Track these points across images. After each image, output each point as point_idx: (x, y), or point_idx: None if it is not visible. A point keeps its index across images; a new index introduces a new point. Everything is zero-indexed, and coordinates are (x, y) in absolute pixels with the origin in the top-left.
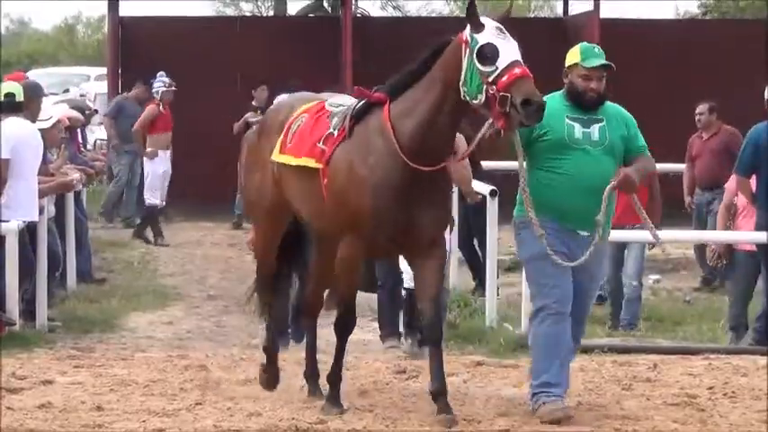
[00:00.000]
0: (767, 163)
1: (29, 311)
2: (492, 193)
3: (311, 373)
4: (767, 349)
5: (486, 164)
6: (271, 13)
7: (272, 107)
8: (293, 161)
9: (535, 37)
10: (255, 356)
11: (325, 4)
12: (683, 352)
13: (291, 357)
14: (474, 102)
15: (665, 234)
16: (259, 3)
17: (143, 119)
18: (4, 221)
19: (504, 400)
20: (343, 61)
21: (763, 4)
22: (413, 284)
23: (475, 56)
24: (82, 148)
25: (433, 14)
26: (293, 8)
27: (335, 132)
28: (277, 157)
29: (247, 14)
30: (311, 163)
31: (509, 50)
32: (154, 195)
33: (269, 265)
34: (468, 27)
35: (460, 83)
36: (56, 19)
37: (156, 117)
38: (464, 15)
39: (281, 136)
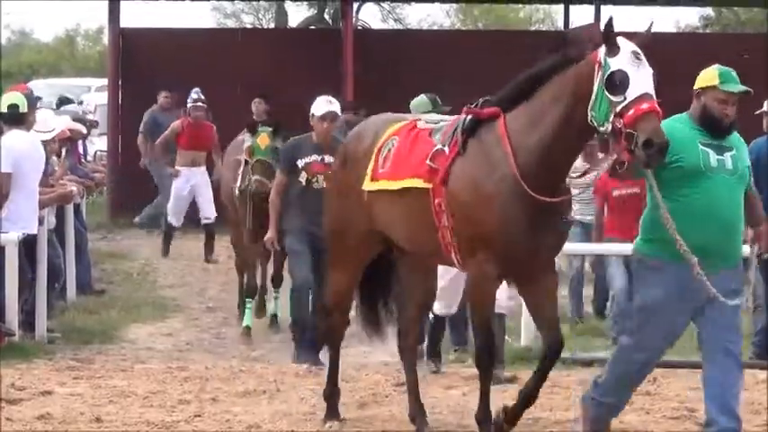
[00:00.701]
0: (767, 178)
1: (28, 322)
2: None
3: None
4: (767, 363)
5: None
6: (272, 25)
7: (352, 134)
8: (393, 185)
9: (536, 50)
10: (255, 368)
11: (326, 17)
12: (683, 366)
13: (290, 370)
14: (600, 128)
15: None
16: (260, 15)
17: (164, 135)
18: (3, 233)
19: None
20: (344, 73)
21: (764, 18)
22: (444, 311)
23: (605, 82)
24: (83, 160)
25: (434, 27)
26: (294, 20)
27: (446, 148)
28: (368, 185)
29: (248, 26)
30: (418, 183)
31: (641, 80)
32: (173, 215)
33: (344, 310)
34: (604, 48)
35: (589, 106)
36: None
37: (179, 133)
38: (465, 28)
39: (371, 163)
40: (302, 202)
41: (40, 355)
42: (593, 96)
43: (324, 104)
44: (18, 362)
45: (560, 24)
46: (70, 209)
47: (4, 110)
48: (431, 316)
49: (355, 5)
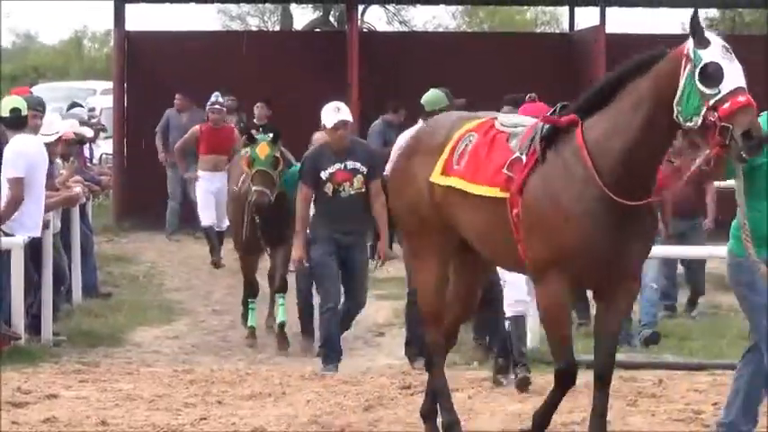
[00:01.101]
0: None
1: (34, 326)
2: None
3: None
4: None
5: None
6: (277, 27)
7: (424, 128)
8: (468, 187)
9: (542, 52)
10: (260, 371)
11: (332, 19)
12: (688, 368)
13: (296, 372)
14: (688, 124)
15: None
16: (265, 17)
17: (183, 139)
18: (10, 236)
19: (509, 415)
20: (350, 75)
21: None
22: (519, 310)
23: (697, 74)
24: (88, 163)
25: (440, 29)
26: (299, 23)
27: (524, 157)
28: (439, 178)
29: (254, 29)
30: (496, 193)
31: (734, 74)
32: (205, 216)
33: (438, 320)
34: (692, 41)
35: (675, 101)
36: (62, 33)
37: (199, 138)
38: (471, 30)
39: (445, 155)
40: (329, 211)
41: (46, 358)
42: (679, 90)
43: (333, 114)
44: (24, 365)
45: (566, 26)
46: (76, 212)
47: (6, 114)
48: (506, 323)
49: (360, 8)
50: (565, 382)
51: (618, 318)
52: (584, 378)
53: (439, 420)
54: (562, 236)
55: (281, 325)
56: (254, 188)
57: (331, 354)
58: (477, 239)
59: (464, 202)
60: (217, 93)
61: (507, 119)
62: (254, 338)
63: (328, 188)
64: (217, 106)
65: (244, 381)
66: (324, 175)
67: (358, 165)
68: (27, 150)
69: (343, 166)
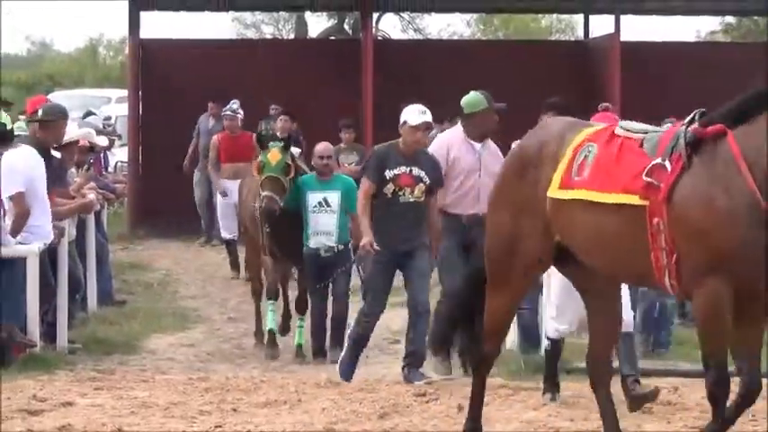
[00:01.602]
0: None
1: (49, 333)
2: None
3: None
4: None
5: None
6: (292, 35)
7: (530, 138)
8: (598, 197)
9: (556, 60)
10: (276, 379)
11: (346, 27)
12: (703, 375)
13: (311, 380)
14: None
15: None
16: (280, 25)
17: (210, 155)
18: (25, 244)
19: (524, 423)
20: (364, 83)
21: None
22: (563, 330)
23: None
24: (103, 171)
25: (455, 37)
26: (314, 31)
27: (667, 163)
28: (556, 192)
29: (268, 37)
30: (633, 200)
31: None
32: (225, 228)
33: (499, 339)
34: None
35: None
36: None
37: (219, 147)
38: (485, 38)
39: (561, 168)
40: (386, 215)
41: (62, 365)
42: None
43: (418, 114)
44: (39, 373)
45: (580, 34)
46: (91, 220)
47: None
48: (545, 342)
49: (375, 16)
50: (719, 394)
51: (759, 329)
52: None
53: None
54: (724, 239)
55: (300, 346)
56: (263, 194)
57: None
58: (595, 251)
59: (586, 213)
60: (235, 100)
61: (631, 125)
62: (275, 346)
63: (388, 189)
64: (229, 113)
65: (259, 388)
66: (388, 174)
67: (423, 173)
68: (20, 164)
69: (408, 170)
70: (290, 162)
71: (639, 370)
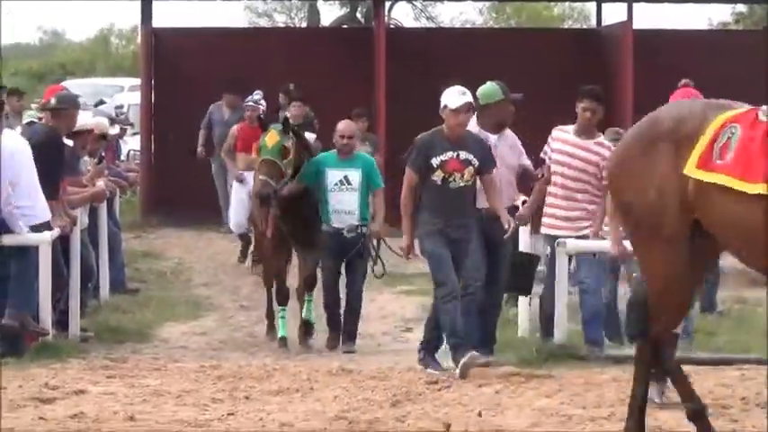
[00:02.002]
0: None
1: (62, 322)
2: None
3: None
4: None
5: None
6: (304, 24)
7: (664, 114)
8: (740, 186)
9: (569, 48)
10: (288, 367)
11: (359, 15)
12: (716, 363)
13: (323, 368)
14: None
15: None
16: (292, 14)
17: (227, 142)
18: (35, 232)
19: (536, 410)
20: (377, 72)
21: None
22: None
23: None
24: (116, 160)
25: (467, 25)
26: (326, 19)
27: None
28: (695, 171)
29: (281, 25)
30: None
31: None
32: (233, 223)
33: (684, 306)
34: None
35: None
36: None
37: (238, 137)
38: (498, 26)
39: (701, 147)
40: (438, 202)
41: (74, 354)
42: None
43: (458, 96)
44: (51, 361)
45: (593, 22)
46: (103, 208)
47: None
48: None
49: (387, 4)
50: None
51: None
52: (612, 372)
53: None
54: None
55: (307, 323)
56: (258, 177)
57: (459, 343)
58: (737, 240)
59: (727, 200)
60: (258, 91)
61: None
62: (287, 348)
63: (437, 176)
64: (251, 103)
65: (271, 376)
66: (435, 161)
67: (471, 156)
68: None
69: (456, 155)
70: (288, 145)
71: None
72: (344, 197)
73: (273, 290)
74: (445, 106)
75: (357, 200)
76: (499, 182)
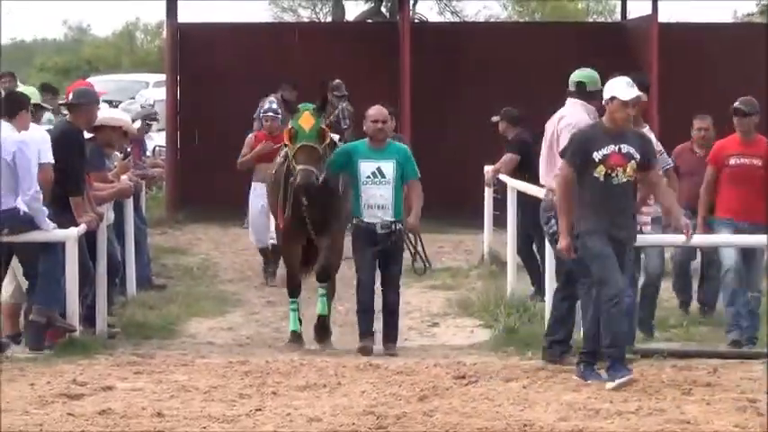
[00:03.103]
0: None
1: (89, 318)
2: None
3: None
4: None
5: None
6: (329, 18)
7: None
8: None
9: (594, 42)
10: (315, 362)
11: (383, 10)
12: (742, 356)
13: (351, 363)
14: None
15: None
16: (317, 9)
17: (242, 153)
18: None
19: (564, 404)
20: (402, 66)
21: None
22: None
23: None
24: (142, 156)
25: (492, 19)
26: (351, 14)
27: None
28: None
29: (305, 20)
30: None
31: None
32: (253, 235)
33: None
34: None
35: None
36: (115, 25)
37: (253, 147)
38: (522, 20)
39: None
40: (600, 200)
41: (101, 350)
42: None
43: (628, 88)
44: (79, 357)
45: (618, 16)
46: (130, 204)
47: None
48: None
49: None
50: None
51: None
52: (639, 367)
53: None
54: None
55: (322, 317)
56: (298, 167)
57: (618, 358)
58: None
59: None
60: (272, 99)
61: None
62: (302, 342)
63: (599, 172)
64: (270, 113)
65: (298, 371)
66: (597, 156)
67: (632, 150)
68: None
69: (617, 148)
70: (324, 127)
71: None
72: (377, 191)
73: (285, 281)
74: (613, 98)
75: (391, 194)
76: None
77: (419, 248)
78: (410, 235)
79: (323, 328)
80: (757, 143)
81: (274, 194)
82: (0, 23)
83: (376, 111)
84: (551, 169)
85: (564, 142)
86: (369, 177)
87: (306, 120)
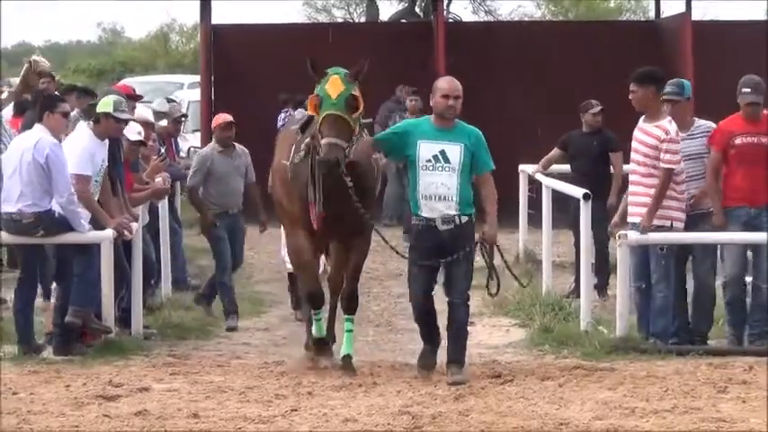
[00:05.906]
0: None
1: (124, 319)
2: (585, 197)
3: None
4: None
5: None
6: (363, 19)
7: None
8: None
9: (627, 40)
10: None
11: (417, 10)
12: None
13: (386, 364)
14: None
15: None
16: (351, 9)
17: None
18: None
19: (599, 403)
20: (436, 66)
21: None
22: None
23: None
24: (176, 156)
25: (525, 18)
26: (385, 14)
27: None
28: None
29: (339, 21)
30: None
31: None
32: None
33: None
34: None
35: None
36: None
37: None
38: (556, 19)
39: None
40: None
41: (137, 351)
42: None
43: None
44: (115, 359)
45: (651, 14)
46: (165, 205)
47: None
48: None
49: None
50: None
51: None
52: (674, 365)
53: None
54: None
55: (347, 357)
56: (323, 141)
57: None
58: None
59: None
60: (288, 110)
61: None
62: (330, 355)
63: None
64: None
65: (334, 372)
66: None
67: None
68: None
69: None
70: (357, 94)
71: None
72: (438, 178)
73: (304, 290)
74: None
75: (455, 183)
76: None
77: (499, 265)
78: (486, 247)
79: (347, 369)
80: (762, 121)
81: (291, 197)
82: (0, 25)
83: (447, 83)
84: None
85: None
86: (429, 161)
87: (334, 85)
